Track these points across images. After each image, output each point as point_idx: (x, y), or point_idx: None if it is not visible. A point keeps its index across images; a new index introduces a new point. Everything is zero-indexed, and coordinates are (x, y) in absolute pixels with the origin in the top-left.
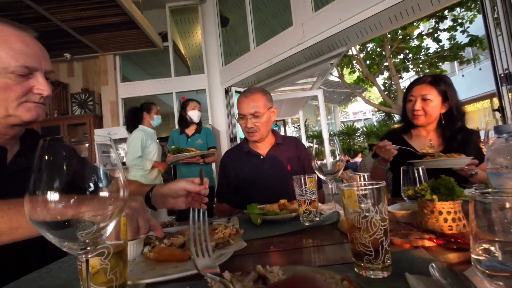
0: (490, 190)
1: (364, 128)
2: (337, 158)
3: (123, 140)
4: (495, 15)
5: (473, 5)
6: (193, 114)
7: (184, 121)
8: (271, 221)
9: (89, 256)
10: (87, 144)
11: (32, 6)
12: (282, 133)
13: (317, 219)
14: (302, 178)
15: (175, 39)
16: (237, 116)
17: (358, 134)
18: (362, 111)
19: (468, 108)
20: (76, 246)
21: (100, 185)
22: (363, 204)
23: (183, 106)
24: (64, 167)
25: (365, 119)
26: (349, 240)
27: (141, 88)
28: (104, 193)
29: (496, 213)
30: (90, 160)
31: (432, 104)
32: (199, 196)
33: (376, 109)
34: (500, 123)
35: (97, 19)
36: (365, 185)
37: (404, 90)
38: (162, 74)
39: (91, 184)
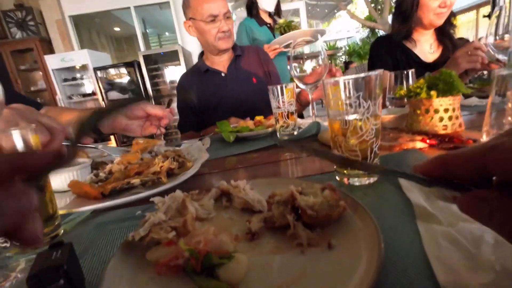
0: None
1: (347, 47)
2: (320, 62)
3: (83, 68)
4: None
5: None
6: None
7: (251, 10)
8: (245, 139)
9: None
10: (40, 73)
11: None
12: None
13: (295, 132)
14: (279, 88)
15: None
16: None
17: (340, 54)
18: (345, 29)
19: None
20: None
21: None
22: (351, 100)
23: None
24: None
25: (348, 38)
26: (332, 147)
27: (91, 2)
28: None
29: None
30: (49, 89)
31: None
32: (157, 120)
33: (361, 25)
34: (493, 27)
35: None
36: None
37: None
38: None
39: None
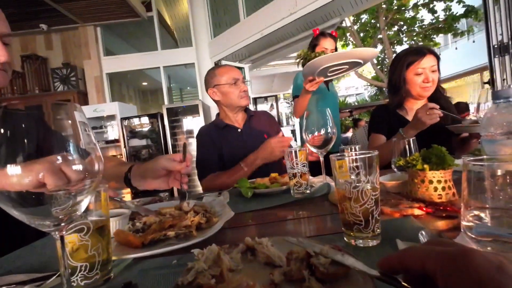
0: (484, 157)
1: (356, 103)
2: (329, 130)
3: (111, 117)
4: None
5: None
6: None
7: None
8: (261, 195)
9: (64, 232)
10: (70, 121)
11: None
12: (274, 110)
13: (308, 191)
14: (293, 151)
15: (160, 8)
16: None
17: (350, 109)
18: (354, 86)
19: (459, 81)
20: (48, 223)
21: (72, 159)
22: (354, 174)
23: (312, 45)
24: (25, 139)
25: (357, 94)
26: (339, 211)
27: (127, 62)
28: (77, 167)
29: (488, 180)
30: (75, 138)
31: (437, 75)
32: (178, 173)
33: (368, 84)
34: (490, 94)
35: None
36: (356, 155)
37: (397, 64)
38: (148, 47)
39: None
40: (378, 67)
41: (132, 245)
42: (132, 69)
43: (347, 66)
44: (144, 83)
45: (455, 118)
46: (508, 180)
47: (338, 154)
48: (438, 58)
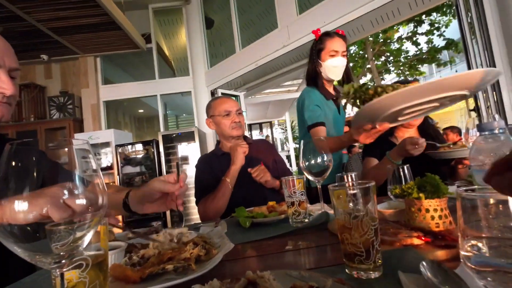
0: (476, 187)
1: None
2: (325, 158)
3: (105, 144)
4: (469, 20)
5: (448, 10)
6: (334, 65)
7: (316, 81)
8: (260, 224)
9: (64, 269)
10: (66, 149)
11: (5, 5)
12: (269, 135)
13: (306, 220)
14: (291, 180)
15: (159, 40)
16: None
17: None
18: (347, 113)
19: (446, 108)
20: (49, 260)
21: (76, 192)
22: (353, 204)
23: (317, 51)
24: (35, 174)
25: (348, 121)
26: (340, 241)
27: (124, 90)
28: (80, 201)
29: (482, 210)
30: (70, 166)
31: None
32: (175, 196)
33: None
34: (476, 122)
35: (75, 19)
36: (354, 185)
37: None
38: (146, 76)
39: (66, 191)
40: None
41: (129, 280)
42: (129, 97)
43: (437, 104)
44: (140, 111)
45: (435, 147)
46: (501, 209)
47: (336, 184)
48: None
